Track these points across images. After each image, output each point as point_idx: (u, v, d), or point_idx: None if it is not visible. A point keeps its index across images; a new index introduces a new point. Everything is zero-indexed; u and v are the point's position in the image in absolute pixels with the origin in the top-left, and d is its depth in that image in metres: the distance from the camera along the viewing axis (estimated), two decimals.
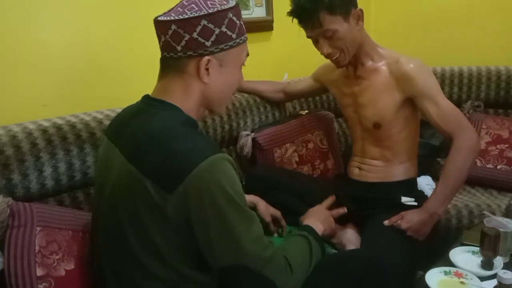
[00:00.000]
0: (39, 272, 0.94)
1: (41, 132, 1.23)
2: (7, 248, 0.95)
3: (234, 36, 0.94)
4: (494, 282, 1.04)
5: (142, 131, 0.90)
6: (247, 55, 1.01)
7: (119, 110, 1.42)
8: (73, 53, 1.49)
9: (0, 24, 1.32)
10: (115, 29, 1.58)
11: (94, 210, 1.07)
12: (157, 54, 1.72)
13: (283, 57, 2.17)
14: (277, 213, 1.48)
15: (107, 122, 1.36)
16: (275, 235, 1.51)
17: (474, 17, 2.35)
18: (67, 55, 1.47)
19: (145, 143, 0.87)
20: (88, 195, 1.34)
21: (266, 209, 1.46)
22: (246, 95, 1.83)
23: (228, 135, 1.74)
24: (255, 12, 2.09)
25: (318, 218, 1.24)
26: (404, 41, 1.59)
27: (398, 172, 1.54)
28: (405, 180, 1.55)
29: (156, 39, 1.73)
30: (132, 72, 1.66)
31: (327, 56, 1.47)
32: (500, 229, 1.19)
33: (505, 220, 1.27)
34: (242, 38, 0.97)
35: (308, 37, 1.47)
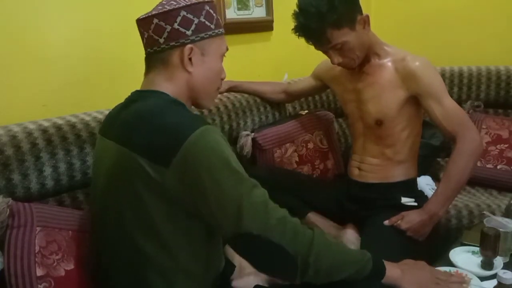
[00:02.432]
0: (39, 272, 0.94)
1: (41, 132, 1.23)
2: (7, 248, 0.95)
3: (212, 26, 0.99)
4: (494, 282, 1.04)
5: (131, 116, 0.93)
6: (227, 49, 1.05)
7: None
8: (73, 53, 1.49)
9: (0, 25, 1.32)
10: (114, 29, 1.58)
11: (92, 209, 1.08)
12: None
13: (283, 57, 2.17)
14: None
15: None
16: None
17: (474, 17, 2.35)
18: (67, 55, 1.47)
19: (134, 123, 0.91)
20: (88, 195, 1.33)
21: None
22: (246, 95, 1.82)
23: (228, 135, 1.73)
24: (255, 12, 2.09)
25: (402, 266, 1.06)
26: (404, 41, 1.59)
27: (398, 172, 1.54)
28: (405, 181, 1.55)
29: None
30: (132, 72, 1.65)
31: (339, 64, 1.47)
32: (500, 229, 1.19)
33: (505, 220, 1.28)
34: (221, 30, 1.02)
35: (316, 49, 1.47)
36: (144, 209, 0.89)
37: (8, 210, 0.99)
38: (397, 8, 2.57)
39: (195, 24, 0.96)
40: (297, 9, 1.41)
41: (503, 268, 1.12)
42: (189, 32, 0.96)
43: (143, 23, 0.99)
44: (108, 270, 1.03)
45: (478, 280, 1.13)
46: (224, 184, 0.85)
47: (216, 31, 1.00)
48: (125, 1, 1.60)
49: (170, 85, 0.98)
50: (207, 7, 0.99)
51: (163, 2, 0.99)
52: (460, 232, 1.44)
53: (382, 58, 1.49)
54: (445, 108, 1.41)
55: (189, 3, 0.97)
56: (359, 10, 1.42)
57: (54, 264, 0.98)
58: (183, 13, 0.95)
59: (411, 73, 1.42)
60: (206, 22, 0.98)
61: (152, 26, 0.97)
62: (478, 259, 1.21)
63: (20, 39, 1.37)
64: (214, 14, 1.01)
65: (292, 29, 1.43)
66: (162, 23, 0.95)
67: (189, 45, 0.96)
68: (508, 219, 1.29)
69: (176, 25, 0.95)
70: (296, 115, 1.92)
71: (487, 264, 1.18)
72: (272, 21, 2.14)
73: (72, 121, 1.31)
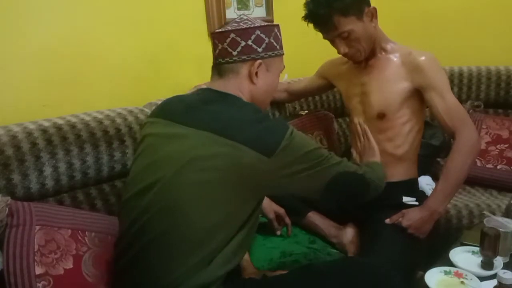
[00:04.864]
0: (38, 270, 0.95)
1: (41, 132, 1.23)
2: (6, 247, 0.95)
3: (278, 47, 1.14)
4: (494, 282, 1.03)
5: (231, 114, 1.05)
6: (284, 67, 1.19)
7: (120, 110, 1.44)
8: (73, 52, 1.49)
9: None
10: (115, 29, 1.59)
11: (132, 191, 1.07)
12: (157, 54, 1.74)
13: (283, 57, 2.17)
14: (281, 210, 1.48)
15: (107, 122, 1.37)
16: (278, 233, 1.50)
17: (474, 17, 2.35)
18: (67, 55, 1.47)
19: (240, 122, 1.03)
20: (88, 195, 1.34)
21: (269, 206, 1.46)
22: None
23: None
24: (255, 12, 2.09)
25: (370, 157, 1.41)
26: (403, 41, 1.59)
27: (399, 171, 1.53)
28: (405, 181, 1.54)
29: (156, 40, 1.75)
30: (132, 72, 1.66)
31: (344, 55, 1.49)
32: (500, 229, 1.18)
33: (505, 220, 1.27)
34: (283, 51, 1.17)
35: (324, 38, 1.49)
36: (217, 192, 0.99)
37: (7, 209, 1.00)
38: (397, 8, 2.57)
39: (266, 43, 1.10)
40: None
41: (503, 268, 1.12)
42: (260, 50, 1.09)
43: (219, 36, 1.11)
44: (138, 257, 1.02)
45: (478, 280, 1.13)
46: (316, 161, 1.06)
47: (280, 51, 1.15)
48: (126, 2, 1.60)
49: (240, 93, 1.10)
50: (275, 30, 1.13)
51: (237, 20, 1.13)
52: (460, 232, 1.44)
53: (389, 53, 1.51)
54: (447, 103, 1.42)
55: (263, 24, 1.11)
56: (367, 2, 1.44)
57: (53, 263, 0.99)
58: (257, 32, 1.09)
59: (417, 66, 1.44)
60: (274, 43, 1.12)
61: (228, 39, 1.08)
62: (478, 259, 1.21)
63: (20, 39, 1.37)
64: (280, 37, 1.15)
65: (302, 17, 1.46)
66: (238, 38, 1.08)
67: (259, 61, 1.09)
68: (508, 219, 1.29)
69: (250, 42, 1.08)
70: (296, 115, 1.92)
71: (487, 264, 1.18)
72: (272, 21, 2.14)
73: (72, 121, 1.31)
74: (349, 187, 1.15)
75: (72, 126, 1.30)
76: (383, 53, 1.52)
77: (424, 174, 1.88)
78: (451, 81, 2.18)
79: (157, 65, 1.73)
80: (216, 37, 1.12)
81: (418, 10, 2.52)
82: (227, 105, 1.07)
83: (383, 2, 2.58)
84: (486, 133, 2.00)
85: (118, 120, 1.39)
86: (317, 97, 2.05)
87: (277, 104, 1.91)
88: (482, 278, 1.14)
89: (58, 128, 1.27)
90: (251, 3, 2.07)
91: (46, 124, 1.27)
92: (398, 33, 2.31)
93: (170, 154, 1.03)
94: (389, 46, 1.52)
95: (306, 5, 1.45)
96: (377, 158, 1.38)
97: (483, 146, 1.95)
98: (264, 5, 2.13)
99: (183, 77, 1.81)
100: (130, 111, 1.45)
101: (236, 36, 1.08)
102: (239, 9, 2.02)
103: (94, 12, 1.52)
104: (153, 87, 1.68)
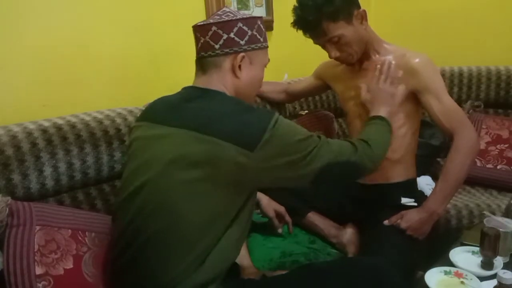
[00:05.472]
0: (38, 270, 0.94)
1: (41, 132, 1.23)
2: (6, 247, 0.95)
3: (261, 39, 1.12)
4: (494, 282, 1.04)
5: (212, 109, 1.03)
6: (268, 60, 1.17)
7: (120, 110, 1.45)
8: (73, 52, 1.49)
9: None
10: (115, 29, 1.58)
11: (126, 194, 1.07)
12: (157, 54, 1.74)
13: (283, 57, 2.17)
14: (281, 208, 1.48)
15: (107, 122, 1.36)
16: (279, 230, 1.50)
17: (474, 17, 2.35)
18: (66, 55, 1.47)
19: (220, 116, 1.00)
20: (88, 195, 1.34)
21: (269, 204, 1.46)
22: None
23: None
24: (255, 12, 2.09)
25: (382, 104, 1.39)
26: (403, 41, 1.59)
27: (397, 172, 1.53)
28: (404, 181, 1.54)
29: (155, 40, 1.75)
30: (132, 72, 1.66)
31: (336, 59, 1.48)
32: (500, 229, 1.19)
33: (505, 220, 1.28)
34: (266, 43, 1.15)
35: (315, 43, 1.48)
36: (205, 189, 0.98)
37: (7, 209, 0.99)
38: (397, 8, 2.57)
39: (249, 35, 1.08)
40: (296, 4, 1.44)
41: (503, 268, 1.12)
42: (242, 42, 1.07)
43: (201, 29, 1.09)
44: (136, 257, 1.02)
45: (478, 280, 1.13)
46: (304, 153, 1.01)
47: (264, 44, 1.13)
48: (126, 2, 1.60)
49: (224, 87, 1.09)
50: (259, 22, 1.11)
51: (219, 13, 1.10)
52: (460, 232, 1.44)
53: (382, 55, 1.50)
54: (444, 104, 1.41)
55: (245, 16, 1.09)
56: (357, 5, 1.43)
57: (53, 263, 0.99)
58: (239, 24, 1.06)
59: (411, 69, 1.43)
60: (257, 35, 1.10)
61: (210, 33, 1.07)
62: (478, 259, 1.21)
63: (19, 39, 1.37)
64: (263, 29, 1.13)
65: (291, 23, 1.45)
66: (220, 31, 1.06)
67: (241, 54, 1.07)
68: (508, 219, 1.29)
69: (232, 35, 1.06)
70: (296, 115, 1.93)
71: (487, 264, 1.18)
72: (272, 21, 2.15)
73: (72, 121, 1.31)
74: (339, 176, 1.13)
75: (72, 126, 1.30)
76: (377, 55, 1.51)
77: (424, 174, 1.88)
78: (451, 81, 2.18)
79: (157, 65, 1.73)
80: (198, 31, 1.10)
81: (417, 10, 2.52)
82: (209, 101, 1.05)
83: (383, 2, 2.60)
84: (486, 133, 2.00)
85: (118, 120, 1.40)
86: (317, 97, 2.05)
87: (277, 104, 1.91)
88: (482, 278, 1.14)
89: (58, 128, 1.27)
90: (251, 3, 2.07)
91: (46, 124, 1.27)
92: (398, 33, 2.32)
93: (154, 155, 1.03)
94: (382, 49, 1.51)
95: (294, 11, 1.44)
96: (388, 106, 1.38)
97: (483, 146, 1.96)
98: (264, 5, 2.13)
99: (183, 77, 1.79)
100: (130, 111, 1.46)
101: (218, 29, 1.06)
102: (239, 9, 2.02)
103: (94, 12, 1.52)
104: (153, 87, 1.67)
